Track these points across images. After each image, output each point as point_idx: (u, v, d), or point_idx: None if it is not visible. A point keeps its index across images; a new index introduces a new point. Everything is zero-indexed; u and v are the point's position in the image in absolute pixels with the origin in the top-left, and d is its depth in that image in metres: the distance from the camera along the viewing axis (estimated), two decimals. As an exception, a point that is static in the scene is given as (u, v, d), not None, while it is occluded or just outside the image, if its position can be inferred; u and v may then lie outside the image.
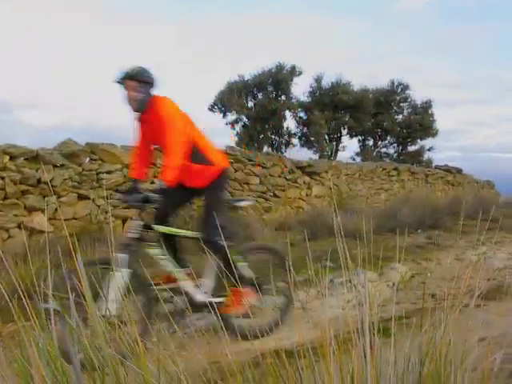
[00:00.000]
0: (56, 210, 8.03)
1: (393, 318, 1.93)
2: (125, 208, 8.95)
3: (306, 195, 13.10)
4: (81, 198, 8.47)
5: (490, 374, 1.77)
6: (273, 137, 24.41)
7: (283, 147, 24.48)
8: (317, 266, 7.11)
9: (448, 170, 20.20)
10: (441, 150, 73.57)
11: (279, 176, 12.42)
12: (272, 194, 12.16)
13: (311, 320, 5.27)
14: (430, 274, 7.77)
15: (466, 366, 1.78)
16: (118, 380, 1.61)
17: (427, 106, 25.23)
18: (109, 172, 8.89)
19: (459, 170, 20.49)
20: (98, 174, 8.77)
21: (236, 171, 11.46)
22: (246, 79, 23.53)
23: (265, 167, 12.07)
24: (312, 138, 23.52)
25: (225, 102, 23.13)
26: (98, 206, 8.64)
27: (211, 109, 23.85)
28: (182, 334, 4.90)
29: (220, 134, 34.50)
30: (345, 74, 38.01)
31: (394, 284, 6.99)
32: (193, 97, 65.43)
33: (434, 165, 22.61)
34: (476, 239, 10.85)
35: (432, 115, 25.23)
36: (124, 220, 9.04)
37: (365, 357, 1.65)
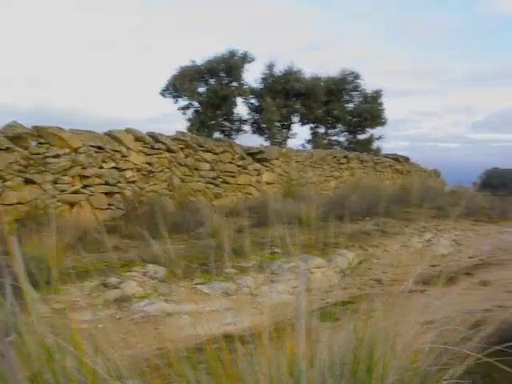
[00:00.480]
0: (0, 194, 7.85)
1: (329, 304, 1.97)
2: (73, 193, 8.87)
3: (257, 182, 13.13)
4: (27, 182, 8.30)
5: (419, 355, 1.82)
6: (224, 123, 24.34)
7: (234, 133, 24.46)
8: (265, 252, 7.18)
9: (396, 158, 20.53)
10: (391, 140, 75.06)
11: (230, 162, 12.40)
12: (222, 180, 12.14)
13: (258, 305, 5.31)
14: (377, 261, 7.92)
15: (397, 347, 1.83)
16: (52, 367, 1.59)
17: (377, 95, 25.46)
18: (56, 156, 8.72)
19: (407, 159, 20.85)
20: (45, 157, 8.59)
21: (186, 157, 11.40)
22: (198, 64, 23.34)
23: (215, 153, 12.04)
24: (263, 125, 23.53)
25: (176, 87, 22.91)
26: (45, 191, 8.48)
27: (163, 94, 23.60)
28: (129, 320, 4.90)
29: (172, 119, 34.31)
30: (301, 60, 38.08)
31: (341, 270, 7.09)
32: (146, 81, 64.63)
33: (383, 153, 22.93)
34: (421, 226, 11.12)
35: (381, 104, 25.51)
36: (72, 205, 8.91)
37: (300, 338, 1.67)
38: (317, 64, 57.85)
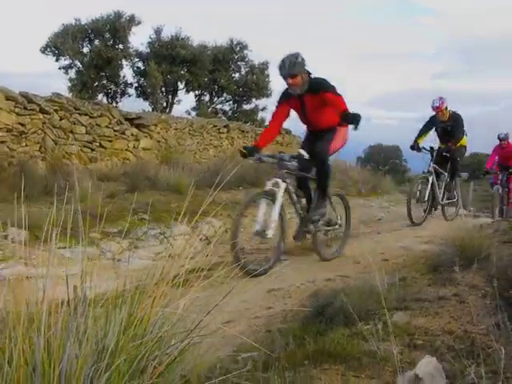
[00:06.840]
0: None
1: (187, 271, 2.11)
2: None
3: (134, 147, 13.02)
4: None
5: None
6: (109, 85, 23.83)
7: (119, 96, 24.04)
8: (134, 218, 7.24)
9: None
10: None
11: (107, 126, 12.20)
12: (98, 144, 11.96)
13: (119, 270, 5.40)
14: (244, 229, 8.17)
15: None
16: None
17: (264, 67, 25.77)
18: None
19: (288, 131, 21.35)
20: None
21: (61, 119, 11.13)
22: (82, 23, 22.60)
23: (92, 117, 11.83)
24: (148, 90, 23.24)
25: (58, 45, 22.07)
26: None
27: (44, 51, 22.63)
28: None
29: (53, 78, 33.04)
30: (189, 29, 37.54)
31: (206, 237, 7.29)
32: (24, 37, 61.36)
33: (266, 125, 23.30)
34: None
35: (268, 76, 25.85)
36: None
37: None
38: (206, 33, 57.54)
